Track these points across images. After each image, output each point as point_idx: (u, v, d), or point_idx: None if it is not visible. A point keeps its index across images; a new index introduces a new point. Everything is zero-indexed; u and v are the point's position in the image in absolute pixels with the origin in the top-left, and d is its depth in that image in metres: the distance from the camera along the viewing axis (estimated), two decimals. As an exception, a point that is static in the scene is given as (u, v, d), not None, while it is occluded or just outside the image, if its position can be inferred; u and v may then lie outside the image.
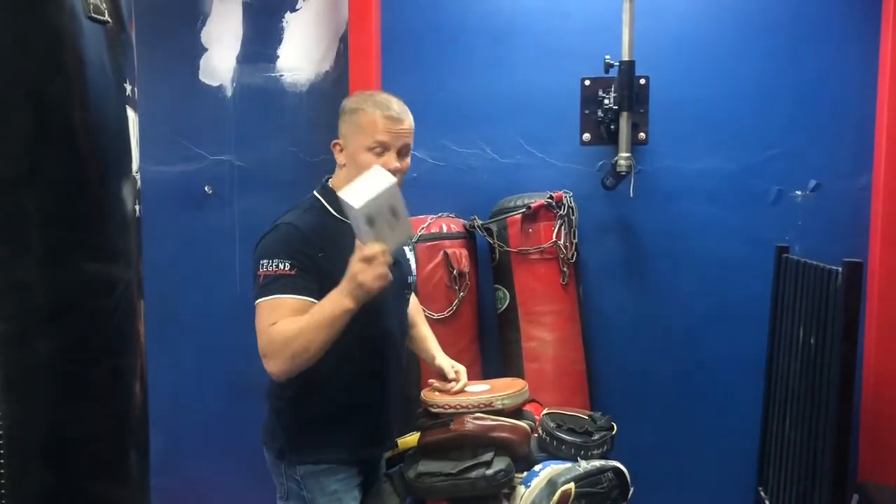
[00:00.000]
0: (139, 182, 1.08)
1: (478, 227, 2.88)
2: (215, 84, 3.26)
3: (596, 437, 2.19)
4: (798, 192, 2.93)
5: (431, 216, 2.92)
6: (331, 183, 2.01)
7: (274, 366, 1.80)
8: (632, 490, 2.16)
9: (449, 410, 2.18)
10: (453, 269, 2.81)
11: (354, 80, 3.01)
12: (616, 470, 2.12)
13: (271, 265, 1.82)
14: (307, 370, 1.81)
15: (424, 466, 2.07)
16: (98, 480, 0.99)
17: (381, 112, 1.88)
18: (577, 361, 2.84)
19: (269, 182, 3.26)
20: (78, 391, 0.95)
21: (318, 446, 1.97)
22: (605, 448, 2.19)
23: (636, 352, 3.04)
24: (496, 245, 2.84)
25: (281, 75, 3.23)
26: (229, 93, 3.26)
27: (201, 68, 3.26)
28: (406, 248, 2.18)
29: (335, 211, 1.93)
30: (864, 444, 2.87)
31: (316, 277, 1.84)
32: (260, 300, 1.83)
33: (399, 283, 2.02)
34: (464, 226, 2.93)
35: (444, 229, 2.88)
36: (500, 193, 2.96)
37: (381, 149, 1.89)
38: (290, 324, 1.77)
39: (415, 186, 3.12)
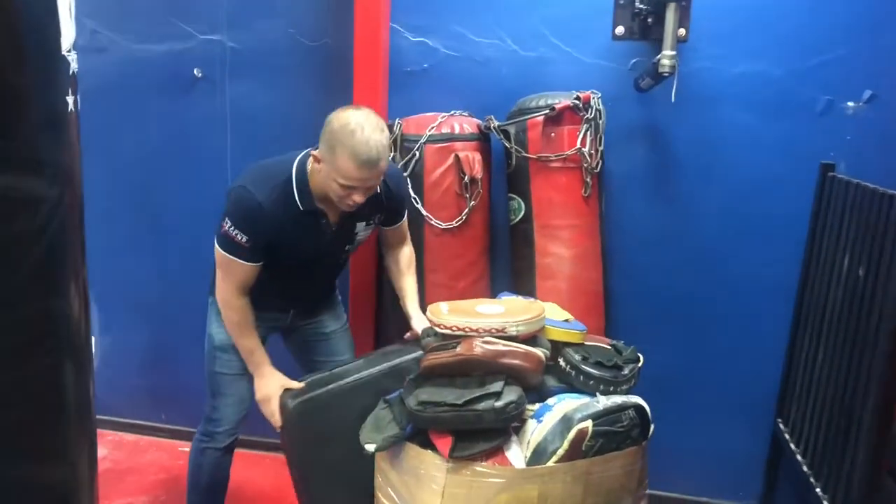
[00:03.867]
0: (74, 65, 0.81)
1: (494, 128, 2.59)
2: (206, -46, 2.91)
3: (626, 371, 1.99)
4: (850, 104, 2.62)
5: (443, 114, 2.64)
6: (308, 169, 2.13)
7: (219, 304, 2.25)
8: (653, 427, 1.98)
9: (457, 332, 1.97)
10: (465, 174, 2.55)
11: (362, -45, 2.66)
12: (638, 407, 1.93)
13: (233, 229, 2.09)
14: None
15: (427, 394, 1.88)
16: (13, 459, 0.76)
17: (355, 163, 1.98)
18: (595, 280, 2.62)
19: (265, 66, 2.97)
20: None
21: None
22: (633, 383, 2.00)
23: (658, 271, 2.80)
24: (513, 150, 2.56)
25: (280, -53, 2.87)
26: (221, -35, 2.91)
27: (191, -65, 2.90)
28: (362, 223, 2.29)
29: (301, 203, 2.13)
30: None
31: (266, 247, 2.14)
32: (219, 249, 2.15)
33: (332, 248, 2.30)
34: (478, 126, 2.64)
35: (457, 130, 2.60)
36: (520, 91, 2.65)
37: (350, 189, 2.04)
38: (233, 314, 2.21)
39: (425, 79, 2.84)
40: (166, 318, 3.28)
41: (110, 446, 3.28)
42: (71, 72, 0.81)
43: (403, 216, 2.41)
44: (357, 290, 2.82)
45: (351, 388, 2.16)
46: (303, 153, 2.18)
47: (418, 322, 2.35)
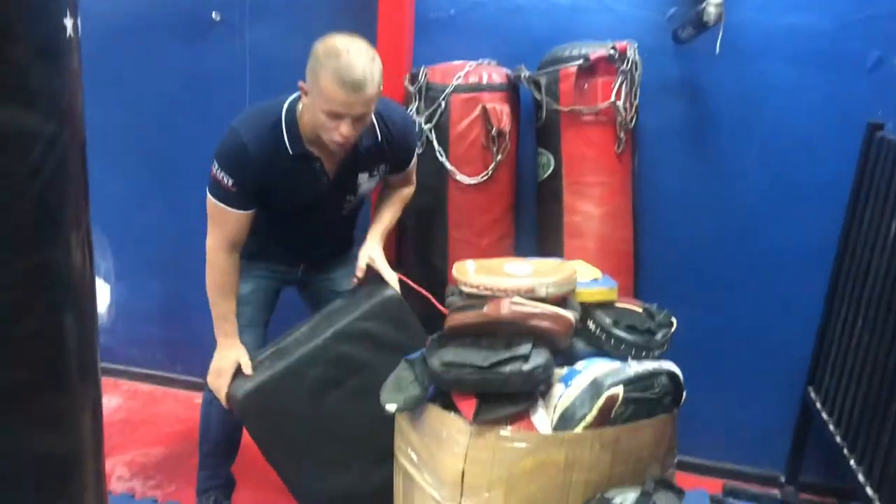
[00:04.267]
0: (75, -14, 0.71)
1: (524, 78, 2.47)
2: None
3: (658, 336, 1.90)
4: (901, 60, 2.48)
5: (470, 63, 2.52)
6: (298, 109, 2.04)
7: (206, 254, 2.15)
8: (685, 395, 1.91)
9: (484, 292, 1.88)
10: (492, 127, 2.44)
11: None
12: (671, 374, 1.85)
13: (220, 173, 2.02)
14: (255, 224, 2.14)
15: (451, 355, 1.81)
16: (9, 427, 0.69)
17: (338, 84, 1.86)
18: (625, 240, 2.52)
19: (286, 11, 2.85)
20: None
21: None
22: (666, 348, 1.91)
23: (691, 232, 2.70)
24: (544, 102, 2.44)
25: None
26: None
27: None
28: (364, 175, 2.19)
29: (290, 145, 2.04)
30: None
31: (256, 193, 2.06)
32: (208, 194, 2.07)
33: (331, 198, 2.19)
34: (507, 76, 2.52)
35: (485, 80, 2.48)
36: (552, 40, 2.53)
37: (335, 116, 1.91)
38: (216, 273, 2.15)
39: (452, 26, 2.71)
40: (183, 270, 3.21)
41: (125, 396, 3.26)
42: (72, -8, 0.71)
43: (410, 164, 2.31)
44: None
45: (299, 363, 2.08)
46: (295, 94, 2.08)
47: (365, 252, 2.25)
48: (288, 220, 2.21)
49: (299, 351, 2.09)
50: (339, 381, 2.09)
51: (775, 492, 2.77)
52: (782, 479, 2.79)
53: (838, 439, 2.30)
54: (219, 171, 2.01)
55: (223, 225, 2.08)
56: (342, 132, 1.92)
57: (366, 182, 2.21)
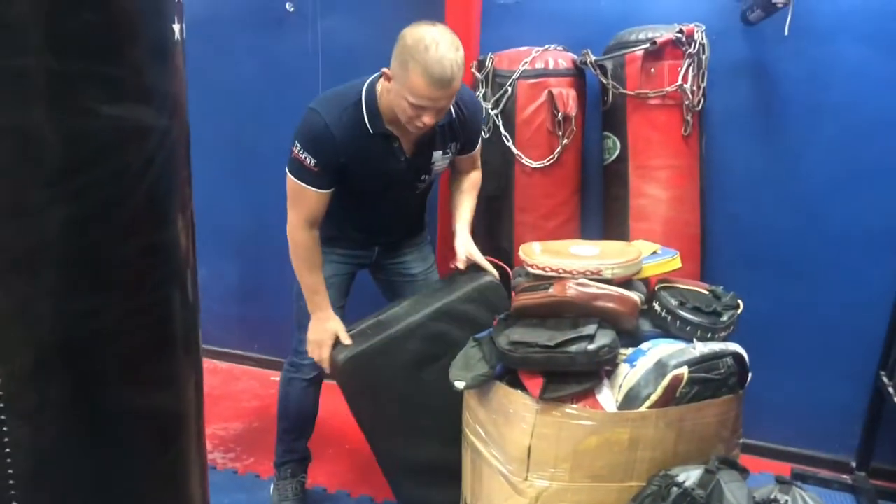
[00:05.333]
0: (181, -9, 0.80)
1: (590, 63, 2.50)
2: None
3: (725, 318, 1.91)
4: (977, 37, 2.41)
5: (536, 49, 2.56)
6: (378, 90, 2.09)
7: (288, 235, 2.20)
8: (750, 376, 1.92)
9: (550, 273, 1.93)
10: (558, 111, 2.48)
11: None
12: (736, 355, 1.87)
13: (302, 153, 2.07)
14: (332, 207, 2.18)
15: (519, 334, 1.86)
16: (131, 384, 0.78)
17: (427, 80, 1.90)
18: (692, 223, 2.52)
19: (356, 1, 2.92)
20: (101, 276, 0.72)
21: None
22: (732, 330, 1.93)
23: (759, 215, 2.69)
24: (610, 86, 2.46)
25: None
26: None
27: None
28: (438, 153, 2.22)
29: (370, 125, 2.08)
30: None
31: (336, 172, 2.11)
32: (289, 174, 2.13)
33: (407, 177, 2.23)
34: (573, 62, 2.55)
35: (551, 65, 2.52)
36: (618, 25, 2.55)
37: (420, 108, 1.96)
38: (300, 248, 2.19)
39: (518, 13, 2.75)
40: (259, 252, 3.36)
41: (205, 373, 3.37)
42: (177, -1, 0.80)
43: (477, 145, 2.35)
44: (444, 241, 2.81)
45: (399, 335, 2.14)
46: (374, 75, 2.12)
47: (462, 245, 2.28)
48: (364, 202, 2.26)
49: (400, 324, 2.16)
50: (435, 357, 2.15)
51: (846, 477, 2.75)
52: (853, 464, 2.76)
53: (910, 424, 2.27)
54: (301, 151, 2.06)
55: (304, 204, 2.13)
56: (425, 121, 1.98)
57: (440, 160, 2.24)
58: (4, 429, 0.69)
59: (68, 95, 0.67)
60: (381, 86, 2.08)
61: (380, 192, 2.24)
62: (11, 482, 0.70)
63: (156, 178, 0.75)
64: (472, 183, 2.40)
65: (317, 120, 2.06)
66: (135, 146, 0.73)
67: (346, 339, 2.18)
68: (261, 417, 3.10)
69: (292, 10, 3.01)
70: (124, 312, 0.76)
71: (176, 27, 0.78)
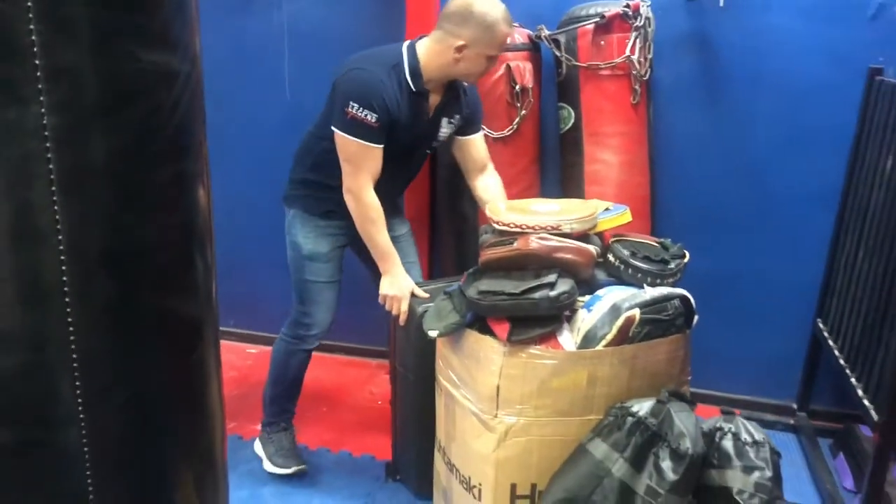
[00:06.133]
0: (195, -41, 0.94)
1: (544, 38, 2.66)
2: None
3: (672, 265, 2.10)
4: (901, 7, 2.63)
5: (494, 25, 2.70)
6: (420, 53, 2.28)
7: (350, 201, 2.29)
8: (696, 318, 2.11)
9: (513, 229, 2.10)
10: (515, 84, 2.64)
11: None
12: (682, 297, 2.06)
13: (360, 111, 2.18)
14: (334, 180, 2.32)
15: (486, 285, 2.02)
16: (163, 291, 0.93)
17: (507, 25, 2.25)
18: (642, 185, 2.72)
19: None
20: (140, 196, 0.86)
21: (308, 204, 2.45)
22: (679, 277, 2.12)
23: (704, 178, 2.89)
24: (563, 59, 2.63)
25: None
26: None
27: None
28: (445, 119, 2.40)
29: (413, 83, 2.26)
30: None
31: (388, 129, 2.23)
32: (348, 136, 2.21)
33: (424, 138, 2.41)
34: (529, 37, 2.72)
35: (507, 40, 2.66)
36: (570, 1, 2.71)
37: (494, 59, 2.30)
38: (371, 210, 2.29)
39: (477, -8, 2.89)
40: (234, 228, 3.44)
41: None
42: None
43: (479, 129, 2.52)
44: (412, 218, 2.96)
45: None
46: (408, 42, 2.31)
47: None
48: (387, 162, 2.31)
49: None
50: None
51: (789, 420, 2.97)
52: (795, 407, 2.98)
53: (842, 362, 2.49)
54: (359, 110, 2.17)
55: (367, 162, 2.24)
56: (490, 68, 2.32)
57: (445, 127, 2.41)
58: (70, 319, 0.83)
59: (112, 42, 0.81)
60: (434, 53, 2.26)
61: (399, 155, 2.34)
62: (76, 366, 0.84)
63: (181, 115, 0.89)
64: (500, 190, 2.52)
65: (370, 76, 2.20)
66: (164, 88, 0.86)
67: (422, 294, 2.34)
68: (240, 386, 3.23)
69: (259, -8, 3.12)
70: (158, 228, 0.90)
71: (194, -9, 0.93)
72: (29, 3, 0.75)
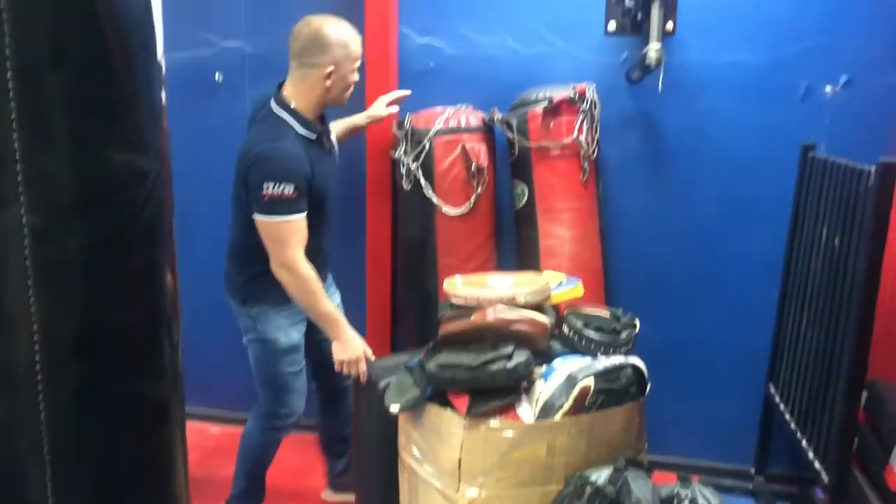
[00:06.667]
0: (164, 68, 1.02)
1: (497, 120, 2.80)
2: (225, -35, 3.12)
3: (623, 335, 2.19)
4: (828, 88, 2.82)
5: (450, 108, 2.84)
6: (294, 103, 2.37)
7: (284, 277, 2.30)
8: (649, 386, 2.19)
9: (471, 302, 2.18)
10: (472, 163, 2.76)
11: (371, -37, 2.87)
12: (635, 366, 2.14)
13: (276, 188, 2.21)
14: (265, 255, 2.32)
15: (445, 358, 2.08)
16: (133, 374, 0.98)
17: (359, 39, 2.44)
18: (594, 259, 2.83)
19: (282, 70, 3.11)
20: (112, 285, 0.92)
21: (265, 294, 2.42)
22: (631, 346, 2.20)
23: (653, 250, 3.01)
24: (516, 139, 2.77)
25: (295, -44, 3.07)
26: (240, -26, 3.12)
27: (210, -53, 3.11)
28: (333, 140, 2.56)
29: (308, 132, 2.37)
30: (875, 343, 2.87)
31: (307, 195, 2.29)
32: (272, 218, 2.25)
33: (330, 183, 2.48)
34: (483, 119, 2.85)
35: (463, 123, 2.81)
36: (521, 85, 2.87)
37: (356, 70, 2.44)
38: (310, 282, 2.31)
39: (433, 77, 3.04)
40: (193, 311, 3.44)
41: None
42: (163, 73, 1.02)
43: None
44: (374, 293, 3.04)
45: None
46: (267, 100, 2.41)
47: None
48: (320, 216, 2.40)
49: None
50: None
51: (747, 484, 3.02)
52: (752, 471, 3.04)
53: (793, 425, 2.57)
54: (274, 187, 2.21)
55: (295, 235, 2.27)
56: (355, 78, 2.44)
57: (335, 147, 2.57)
58: (41, 406, 0.87)
59: (89, 146, 0.88)
60: (306, 91, 2.37)
61: (322, 206, 2.41)
62: (46, 451, 0.88)
63: (152, 209, 0.96)
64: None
65: (276, 150, 2.25)
66: (136, 186, 0.94)
67: (371, 356, 2.43)
68: (201, 467, 3.19)
69: (221, 80, 3.22)
70: (129, 314, 0.96)
71: (163, 94, 1.01)
72: (13, 115, 0.83)
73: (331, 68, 2.34)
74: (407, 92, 2.81)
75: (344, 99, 2.45)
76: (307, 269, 2.30)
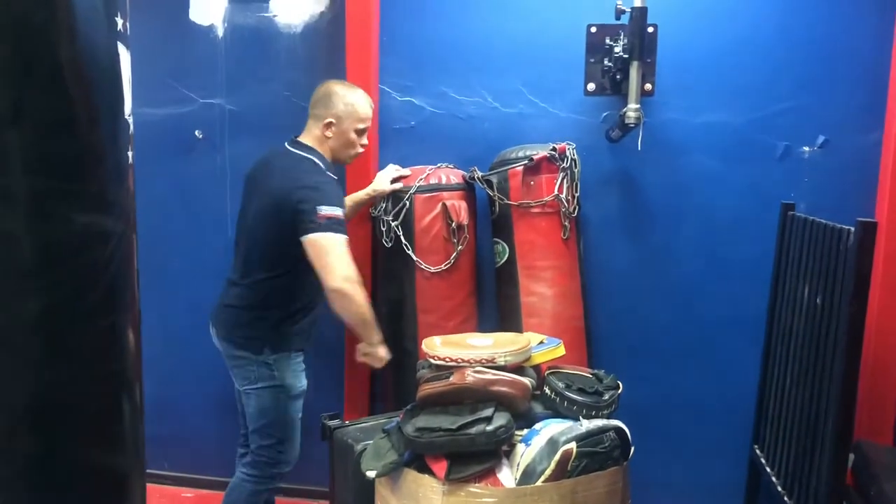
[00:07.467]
0: (132, 126, 0.99)
1: (478, 178, 2.80)
2: (206, 24, 3.13)
3: (606, 396, 2.15)
4: (806, 148, 2.85)
5: (430, 167, 2.84)
6: (316, 147, 2.56)
7: (348, 289, 2.35)
8: (633, 449, 2.13)
9: (449, 363, 2.13)
10: (452, 221, 2.74)
11: (351, 22, 2.90)
12: (618, 429, 2.09)
13: (331, 210, 2.36)
14: (290, 299, 2.50)
15: (423, 421, 2.03)
16: (89, 444, 0.92)
17: (368, 103, 2.61)
18: (576, 317, 2.79)
19: (261, 127, 3.16)
20: (69, 352, 0.88)
21: (287, 341, 2.52)
22: (614, 407, 2.16)
23: (635, 309, 2.99)
24: (496, 198, 2.76)
25: (274, 16, 3.10)
26: (220, 33, 3.13)
27: (191, 7, 3.13)
28: None
29: (332, 173, 2.54)
30: (861, 404, 2.85)
31: None
32: (330, 234, 2.34)
33: None
34: (463, 177, 2.85)
35: (443, 180, 2.80)
36: (502, 144, 2.87)
37: (363, 132, 2.60)
38: (365, 298, 2.44)
39: (413, 135, 3.05)
40: (170, 370, 3.39)
41: (114, 494, 3.37)
42: (130, 131, 0.99)
43: None
44: (352, 353, 2.97)
45: None
46: (296, 143, 2.58)
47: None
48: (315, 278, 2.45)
49: None
50: None
51: (735, 549, 2.95)
52: (740, 535, 2.98)
53: (780, 488, 2.52)
54: (330, 209, 2.35)
55: (349, 253, 2.38)
56: (364, 142, 2.61)
57: None
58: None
59: (48, 207, 0.85)
60: (317, 140, 2.56)
61: None
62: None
63: (114, 271, 0.92)
64: None
65: (323, 181, 2.44)
66: (98, 247, 0.90)
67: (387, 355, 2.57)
68: (173, 533, 3.08)
69: (201, 136, 3.21)
70: (87, 380, 0.91)
71: (130, 154, 0.98)
72: (-32, 175, 0.79)
73: (330, 120, 2.52)
74: (409, 171, 2.82)
75: (347, 157, 2.62)
76: (358, 281, 2.39)
